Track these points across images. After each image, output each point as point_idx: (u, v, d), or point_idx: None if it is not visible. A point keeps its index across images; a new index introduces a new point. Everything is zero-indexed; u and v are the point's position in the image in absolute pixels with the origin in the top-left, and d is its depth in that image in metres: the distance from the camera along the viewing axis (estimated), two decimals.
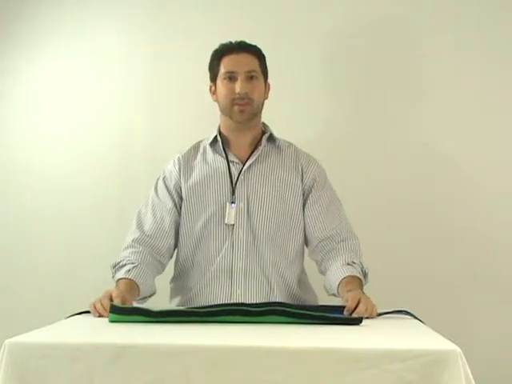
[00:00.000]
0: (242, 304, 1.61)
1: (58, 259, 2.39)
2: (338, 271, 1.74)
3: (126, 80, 2.43)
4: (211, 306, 1.52)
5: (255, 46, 1.89)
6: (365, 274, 1.75)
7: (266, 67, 1.91)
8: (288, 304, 1.64)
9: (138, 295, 1.71)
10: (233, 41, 1.88)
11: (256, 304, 1.60)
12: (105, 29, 2.44)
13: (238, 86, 1.81)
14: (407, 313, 1.58)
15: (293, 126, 2.24)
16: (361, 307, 1.52)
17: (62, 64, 2.46)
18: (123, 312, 1.43)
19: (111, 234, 2.17)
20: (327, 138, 2.31)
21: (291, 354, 1.13)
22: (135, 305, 1.65)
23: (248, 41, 1.89)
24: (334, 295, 1.76)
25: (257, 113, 1.87)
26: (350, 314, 1.51)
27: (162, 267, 1.86)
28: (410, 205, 2.27)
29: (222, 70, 1.84)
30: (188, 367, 1.13)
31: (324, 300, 1.81)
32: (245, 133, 1.89)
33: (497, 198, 2.27)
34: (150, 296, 1.79)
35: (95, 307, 1.53)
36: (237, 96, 1.81)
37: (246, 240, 1.82)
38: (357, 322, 1.43)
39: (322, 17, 2.34)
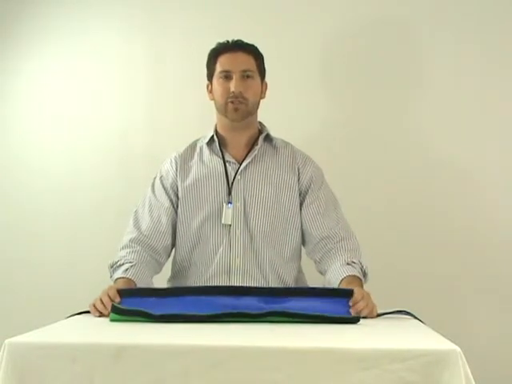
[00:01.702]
0: (240, 288, 1.61)
1: (58, 259, 2.39)
2: (338, 271, 1.74)
3: (126, 80, 2.43)
4: (210, 288, 1.58)
5: (252, 45, 1.88)
6: (364, 274, 1.76)
7: (263, 67, 1.90)
8: (285, 289, 1.64)
9: None
10: (230, 40, 1.88)
11: (254, 289, 1.60)
12: (105, 28, 2.44)
13: (232, 85, 1.81)
14: (407, 313, 1.58)
15: (292, 126, 2.25)
16: (360, 304, 1.51)
17: (62, 64, 2.46)
18: (124, 313, 1.44)
19: (111, 234, 2.16)
20: (326, 137, 2.32)
21: (291, 354, 1.13)
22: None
23: (248, 41, 1.88)
24: None
25: (252, 112, 1.87)
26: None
27: (159, 266, 1.86)
28: (409, 205, 2.27)
29: (218, 68, 1.85)
30: (188, 367, 1.13)
31: None
32: (241, 132, 1.89)
33: (497, 198, 2.27)
34: None
35: (95, 306, 1.53)
36: (231, 95, 1.81)
37: (243, 240, 1.82)
38: (354, 320, 1.43)
39: (321, 16, 2.34)
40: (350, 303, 1.52)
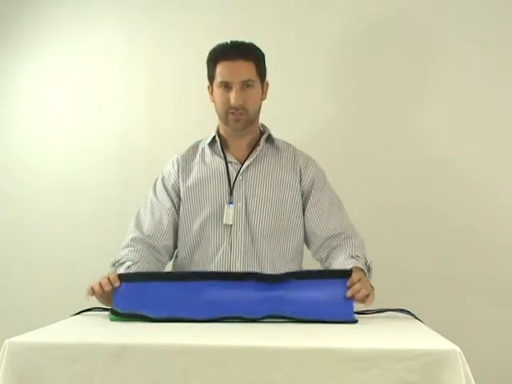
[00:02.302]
0: (238, 274, 1.62)
1: (58, 259, 2.39)
2: (341, 264, 1.73)
3: (127, 80, 2.43)
4: (208, 273, 1.61)
5: (251, 48, 1.84)
6: (368, 268, 1.75)
7: (264, 68, 1.87)
8: (281, 274, 1.59)
9: None
10: (230, 41, 1.83)
11: (253, 274, 1.58)
12: (105, 28, 2.44)
13: (232, 98, 1.78)
14: (408, 312, 1.58)
15: (292, 126, 2.25)
16: (357, 286, 1.51)
17: (62, 64, 2.46)
18: (123, 315, 1.44)
19: (111, 234, 2.17)
20: (327, 137, 2.32)
21: (291, 354, 1.13)
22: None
23: (247, 41, 1.85)
24: None
25: (253, 119, 1.86)
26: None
27: (161, 265, 1.86)
28: (409, 205, 2.27)
29: (218, 77, 1.81)
30: (188, 367, 1.13)
31: None
32: (242, 136, 1.89)
33: (497, 197, 2.27)
34: None
35: (93, 289, 1.52)
36: (232, 106, 1.79)
37: (244, 240, 1.82)
38: (353, 321, 1.43)
39: (321, 17, 2.34)
40: (348, 283, 1.51)
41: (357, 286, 1.51)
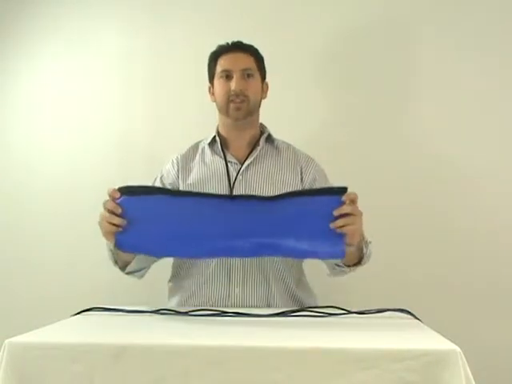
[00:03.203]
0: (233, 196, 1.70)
1: (58, 259, 2.39)
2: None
3: (126, 80, 2.43)
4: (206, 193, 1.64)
5: (252, 46, 1.89)
6: (366, 243, 1.73)
7: (263, 67, 1.91)
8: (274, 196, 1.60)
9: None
10: (230, 41, 1.89)
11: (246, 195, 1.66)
12: (105, 29, 2.44)
13: (233, 84, 1.82)
14: (408, 312, 1.58)
15: (292, 126, 2.24)
16: (346, 207, 1.48)
17: (62, 64, 2.46)
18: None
19: None
20: (326, 138, 2.31)
21: (291, 354, 1.13)
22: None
23: (247, 40, 1.89)
24: (337, 266, 1.74)
25: (253, 111, 1.87)
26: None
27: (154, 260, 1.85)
28: (409, 205, 2.27)
29: (219, 69, 1.86)
30: (188, 367, 1.13)
31: (323, 302, 1.80)
32: (243, 132, 1.90)
33: (497, 198, 2.27)
34: (144, 268, 1.81)
35: (107, 222, 1.55)
36: (232, 93, 1.82)
37: None
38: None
39: (321, 17, 2.34)
40: (343, 198, 1.48)
41: (346, 207, 1.48)
